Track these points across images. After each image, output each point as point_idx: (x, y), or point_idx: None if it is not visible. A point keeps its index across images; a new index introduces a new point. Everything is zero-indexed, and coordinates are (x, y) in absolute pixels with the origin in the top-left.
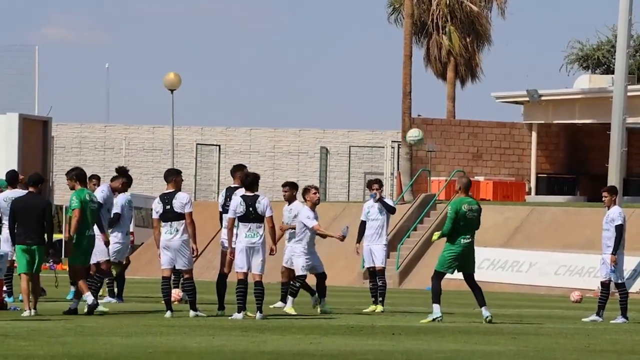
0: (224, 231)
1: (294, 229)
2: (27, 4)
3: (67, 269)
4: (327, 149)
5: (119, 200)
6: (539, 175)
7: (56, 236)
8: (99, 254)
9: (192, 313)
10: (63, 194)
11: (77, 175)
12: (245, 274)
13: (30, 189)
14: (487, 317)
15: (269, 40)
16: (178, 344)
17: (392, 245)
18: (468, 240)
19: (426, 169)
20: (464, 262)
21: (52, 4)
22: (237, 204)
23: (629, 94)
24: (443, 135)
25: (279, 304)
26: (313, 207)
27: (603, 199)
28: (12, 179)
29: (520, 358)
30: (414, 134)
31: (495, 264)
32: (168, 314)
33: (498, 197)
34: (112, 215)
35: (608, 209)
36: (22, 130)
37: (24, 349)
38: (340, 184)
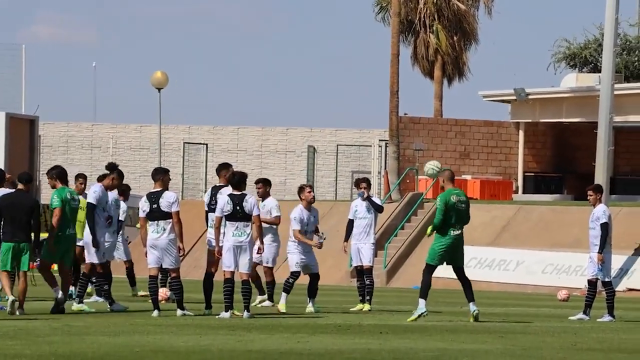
0: (210, 230)
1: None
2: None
3: (57, 268)
4: (314, 148)
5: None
6: (526, 174)
7: (43, 235)
8: (94, 256)
9: (179, 312)
10: (49, 193)
11: (57, 174)
12: (233, 273)
13: (20, 187)
14: (474, 311)
15: (256, 39)
16: (165, 343)
17: (379, 244)
18: (458, 232)
19: (413, 167)
20: (453, 254)
21: (40, 3)
22: (224, 202)
23: (615, 92)
24: (430, 134)
25: (267, 303)
26: (308, 206)
27: (588, 197)
28: None
29: (507, 357)
30: (434, 165)
31: (482, 263)
32: (155, 313)
33: (485, 196)
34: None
35: (594, 208)
36: (8, 129)
37: (10, 348)
38: (328, 183)
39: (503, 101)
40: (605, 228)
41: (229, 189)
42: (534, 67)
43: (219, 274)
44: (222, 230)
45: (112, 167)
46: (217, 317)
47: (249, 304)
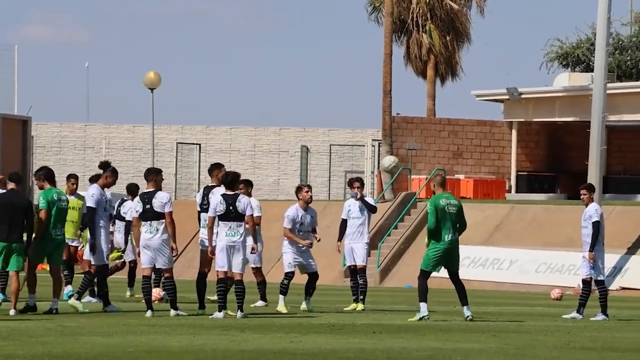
0: (203, 230)
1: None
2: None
3: (48, 268)
4: (307, 148)
5: None
6: (519, 173)
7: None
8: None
9: (172, 312)
10: None
11: (45, 175)
12: (226, 273)
13: (12, 187)
14: (467, 316)
15: (249, 40)
16: (159, 343)
17: (372, 244)
18: (452, 238)
19: (406, 167)
20: (449, 260)
21: (32, 3)
22: (217, 202)
23: (608, 91)
24: (423, 134)
25: (260, 302)
26: (305, 205)
27: (582, 196)
28: None
29: (500, 355)
30: (390, 161)
31: (476, 262)
32: (149, 313)
33: (478, 195)
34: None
35: (586, 207)
36: (1, 129)
37: (3, 348)
38: (321, 183)
39: (496, 100)
40: (597, 226)
41: (221, 189)
42: (526, 66)
43: (212, 274)
44: (215, 230)
45: (105, 165)
46: (210, 317)
47: (242, 304)
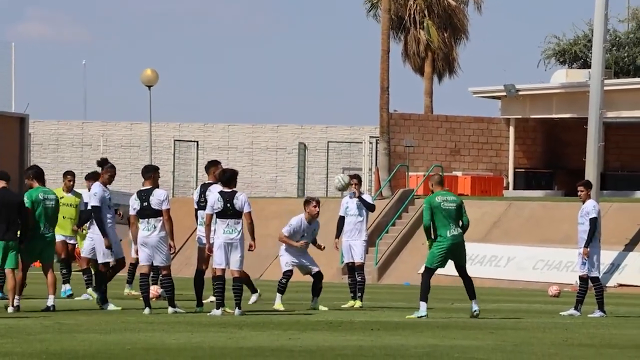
0: (200, 228)
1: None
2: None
3: (40, 266)
4: (305, 145)
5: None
6: (517, 170)
7: None
8: (105, 255)
9: (170, 309)
10: None
11: (33, 174)
12: (224, 270)
13: (2, 185)
14: (474, 311)
15: (247, 37)
16: (157, 341)
17: (370, 241)
18: (455, 233)
19: (404, 164)
20: (455, 254)
21: (29, 1)
22: (214, 200)
23: (605, 88)
24: (421, 131)
25: (253, 297)
26: (310, 219)
27: (579, 193)
28: None
29: (498, 352)
30: (341, 180)
31: (473, 259)
32: (146, 310)
33: (476, 192)
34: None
35: (583, 203)
36: None
37: (1, 346)
38: (319, 180)
39: (493, 97)
40: (594, 223)
41: (218, 187)
42: (524, 63)
43: (210, 272)
44: (212, 228)
45: (103, 161)
46: (208, 314)
47: (240, 301)
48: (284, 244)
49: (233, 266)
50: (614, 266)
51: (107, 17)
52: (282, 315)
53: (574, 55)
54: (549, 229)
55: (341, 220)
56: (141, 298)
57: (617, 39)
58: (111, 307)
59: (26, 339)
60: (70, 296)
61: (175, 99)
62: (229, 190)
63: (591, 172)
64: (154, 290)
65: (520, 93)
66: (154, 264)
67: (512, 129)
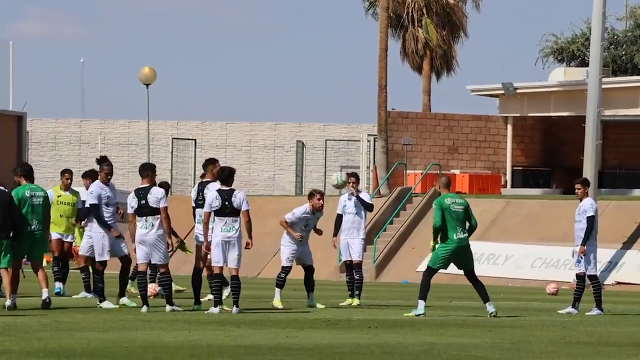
0: (198, 226)
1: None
2: None
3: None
4: (303, 143)
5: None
6: (515, 168)
7: None
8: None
9: (168, 307)
10: None
11: (22, 171)
12: (221, 268)
13: None
14: (491, 312)
15: (244, 35)
16: (154, 339)
17: (368, 239)
18: (462, 236)
19: (402, 162)
20: (461, 259)
21: None
22: (212, 198)
23: (603, 86)
24: (419, 129)
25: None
26: (314, 211)
27: (576, 191)
28: None
29: (496, 350)
30: (338, 178)
31: None
32: (144, 308)
33: (474, 190)
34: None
35: (580, 201)
36: None
37: None
38: (317, 178)
39: (491, 95)
40: (592, 221)
41: (216, 185)
42: (521, 61)
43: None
44: (210, 226)
45: (103, 159)
46: (206, 312)
47: (238, 299)
48: (285, 234)
49: (231, 264)
50: (612, 264)
51: (104, 15)
52: (279, 313)
53: (571, 53)
54: (547, 227)
55: (339, 218)
56: (139, 296)
57: (615, 37)
58: (109, 305)
59: (24, 337)
60: (58, 294)
61: (173, 97)
62: (227, 188)
63: (589, 170)
64: (152, 288)
65: (518, 91)
66: (152, 262)
67: (510, 127)
